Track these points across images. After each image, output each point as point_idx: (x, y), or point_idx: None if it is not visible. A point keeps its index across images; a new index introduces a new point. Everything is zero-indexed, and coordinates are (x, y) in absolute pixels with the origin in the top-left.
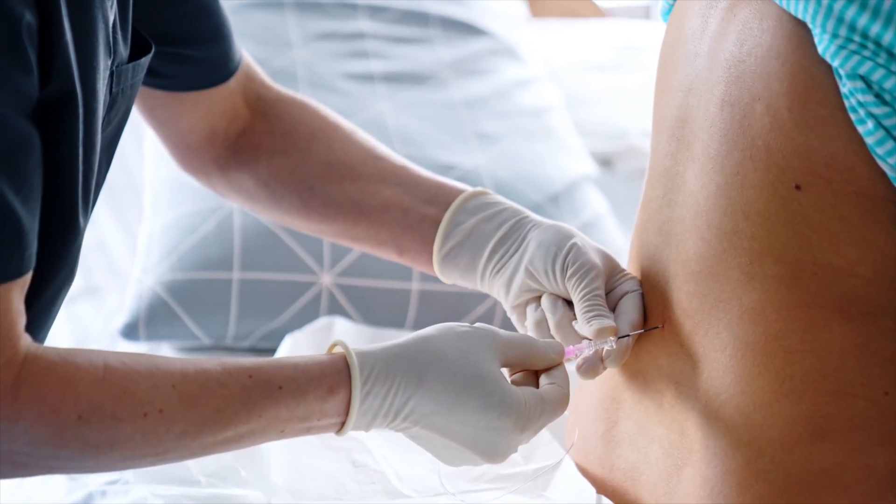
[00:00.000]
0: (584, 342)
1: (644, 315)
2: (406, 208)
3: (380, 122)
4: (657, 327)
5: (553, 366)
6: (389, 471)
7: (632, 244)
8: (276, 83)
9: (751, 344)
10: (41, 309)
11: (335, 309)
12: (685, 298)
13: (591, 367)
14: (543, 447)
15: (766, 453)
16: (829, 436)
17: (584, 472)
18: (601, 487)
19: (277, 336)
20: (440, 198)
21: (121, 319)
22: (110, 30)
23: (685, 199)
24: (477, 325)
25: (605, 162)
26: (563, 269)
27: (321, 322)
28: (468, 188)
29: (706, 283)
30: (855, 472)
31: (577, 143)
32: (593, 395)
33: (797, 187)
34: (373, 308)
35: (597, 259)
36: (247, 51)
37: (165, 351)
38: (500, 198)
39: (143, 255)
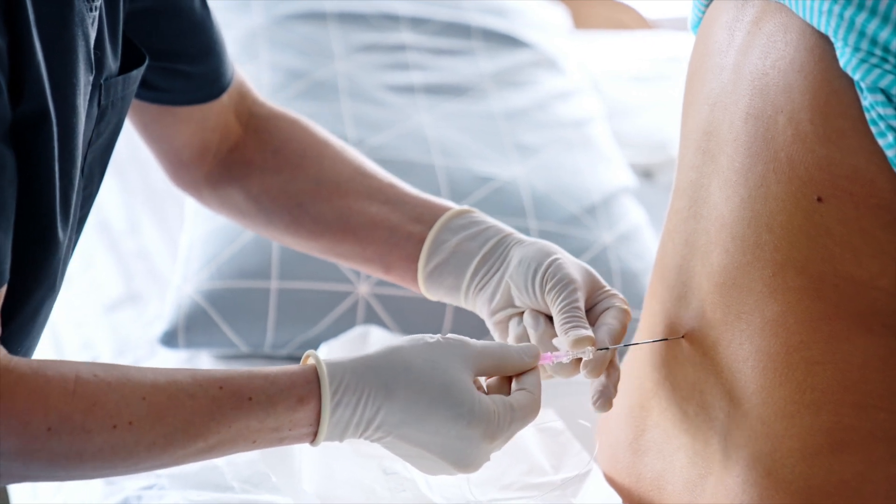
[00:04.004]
0: (563, 350)
1: (625, 329)
2: (392, 226)
3: (419, 134)
4: (642, 342)
5: (528, 369)
6: (419, 478)
7: (657, 255)
8: (318, 94)
9: (773, 355)
10: (23, 321)
11: (372, 318)
12: (709, 309)
13: (603, 398)
14: (574, 456)
15: (786, 464)
16: (849, 447)
17: (612, 482)
18: (628, 497)
19: (314, 345)
20: (426, 216)
21: (160, 327)
22: (92, 46)
23: (710, 211)
24: (448, 335)
25: (646, 173)
26: (543, 284)
27: (357, 331)
28: (454, 206)
29: (730, 294)
30: (875, 483)
31: (616, 155)
32: (623, 403)
33: (819, 200)
34: (409, 318)
35: (577, 274)
36: (289, 62)
37: (204, 359)
38: (484, 216)
39: (184, 264)
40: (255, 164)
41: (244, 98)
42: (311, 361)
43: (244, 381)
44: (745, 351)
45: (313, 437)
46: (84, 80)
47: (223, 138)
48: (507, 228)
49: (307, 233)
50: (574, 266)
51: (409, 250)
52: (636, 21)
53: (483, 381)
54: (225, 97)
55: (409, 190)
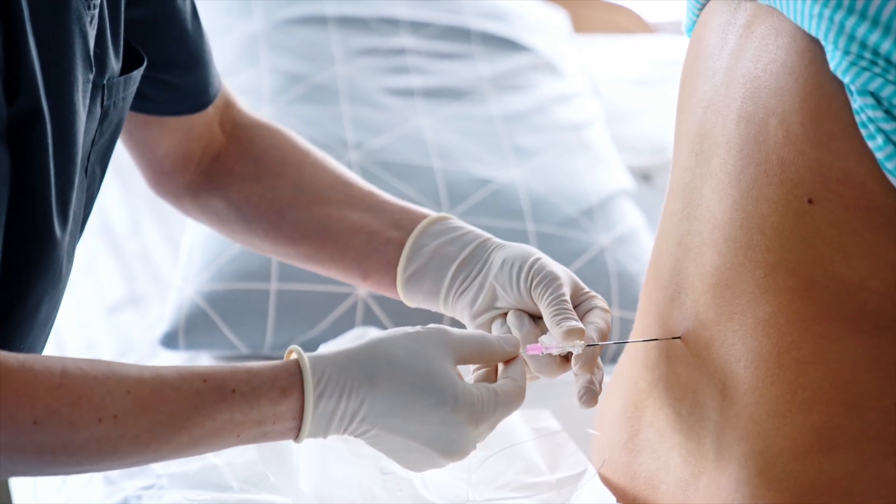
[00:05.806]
0: (553, 343)
1: (609, 329)
2: (371, 232)
3: (418, 137)
4: (621, 342)
5: (510, 358)
6: (416, 478)
7: (651, 256)
8: (318, 97)
9: (764, 355)
10: (24, 318)
11: (370, 320)
12: (702, 310)
13: (589, 393)
14: (569, 457)
15: (778, 463)
16: (840, 446)
17: (607, 482)
18: (622, 496)
19: (314, 346)
20: (405, 222)
21: (161, 328)
22: (91, 45)
23: (703, 212)
24: (429, 325)
25: (644, 176)
26: (528, 282)
27: (356, 332)
28: (433, 213)
29: (722, 295)
30: (865, 482)
31: (614, 158)
32: (618, 403)
33: (810, 201)
34: (408, 319)
35: (560, 273)
36: (289, 66)
37: (205, 360)
38: (462, 223)
39: (184, 266)
40: (236, 172)
41: (229, 108)
42: (293, 356)
43: (228, 375)
44: (738, 351)
45: (297, 432)
46: (83, 79)
47: (207, 148)
48: (486, 234)
49: (286, 240)
50: (557, 266)
51: (388, 256)
52: (636, 25)
53: (470, 374)
54: (211, 108)
55: (388, 198)
